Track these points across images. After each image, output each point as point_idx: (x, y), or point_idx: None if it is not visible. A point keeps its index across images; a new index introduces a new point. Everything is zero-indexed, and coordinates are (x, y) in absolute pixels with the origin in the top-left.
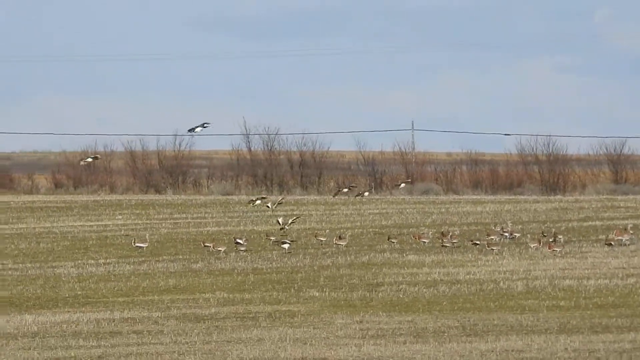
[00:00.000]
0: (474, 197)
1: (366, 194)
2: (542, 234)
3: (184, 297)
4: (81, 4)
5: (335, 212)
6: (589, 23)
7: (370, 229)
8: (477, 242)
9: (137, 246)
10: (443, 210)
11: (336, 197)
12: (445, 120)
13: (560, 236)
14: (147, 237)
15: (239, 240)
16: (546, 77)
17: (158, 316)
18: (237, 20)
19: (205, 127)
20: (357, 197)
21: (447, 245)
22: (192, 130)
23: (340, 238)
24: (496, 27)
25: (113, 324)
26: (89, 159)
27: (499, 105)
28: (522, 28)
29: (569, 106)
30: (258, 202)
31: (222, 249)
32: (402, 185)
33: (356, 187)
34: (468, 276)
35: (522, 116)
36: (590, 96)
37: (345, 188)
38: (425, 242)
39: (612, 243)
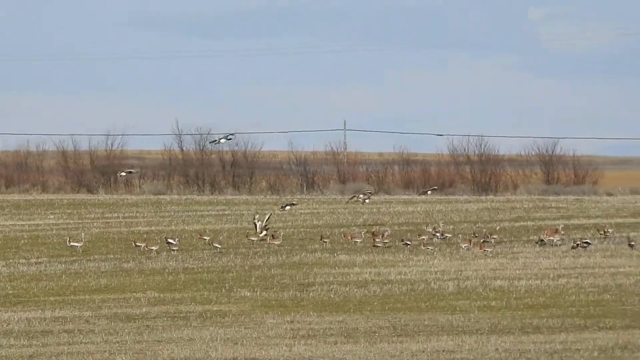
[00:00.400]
0: (406, 197)
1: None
2: (474, 234)
3: (115, 297)
4: (15, 2)
5: (266, 211)
6: (523, 23)
7: (302, 229)
8: (409, 242)
9: (71, 245)
10: (374, 210)
11: (348, 203)
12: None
13: (495, 236)
14: (82, 236)
15: (170, 240)
16: (480, 77)
17: (89, 315)
18: (171, 19)
19: (229, 139)
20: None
21: (379, 245)
22: (215, 142)
23: (273, 237)
24: (430, 27)
25: (44, 323)
26: (124, 173)
27: (432, 105)
28: (457, 28)
29: (502, 106)
30: (287, 207)
31: (154, 248)
32: (429, 192)
33: (371, 193)
34: (399, 276)
35: (455, 116)
36: (523, 96)
37: (362, 194)
38: (357, 241)
39: (544, 241)
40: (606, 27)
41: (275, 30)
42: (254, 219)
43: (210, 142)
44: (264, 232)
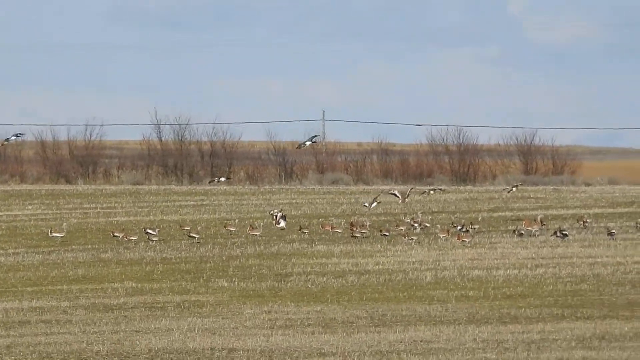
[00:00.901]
0: (384, 187)
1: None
2: (452, 224)
3: (93, 287)
4: None
5: (244, 202)
6: (503, 15)
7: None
8: (387, 232)
9: (53, 236)
10: (353, 200)
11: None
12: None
13: (476, 225)
14: (64, 226)
15: (149, 231)
16: (459, 68)
17: (67, 306)
18: (151, 11)
19: (314, 141)
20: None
21: (357, 235)
22: (302, 145)
23: (253, 228)
24: (410, 17)
25: (22, 314)
26: (12, 138)
27: (412, 96)
28: (436, 19)
29: (481, 97)
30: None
31: (134, 238)
32: (432, 192)
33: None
34: (377, 266)
35: (434, 107)
36: (501, 87)
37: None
38: (339, 232)
39: (522, 232)
40: (585, 19)
41: (255, 21)
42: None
43: (297, 148)
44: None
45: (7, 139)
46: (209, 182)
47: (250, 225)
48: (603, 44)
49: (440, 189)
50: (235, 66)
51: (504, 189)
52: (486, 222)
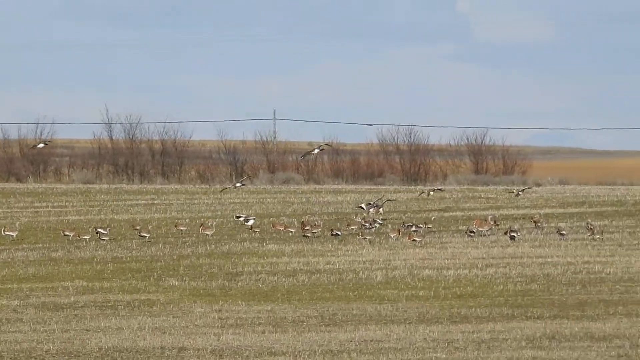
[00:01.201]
0: (335, 186)
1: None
2: (403, 223)
3: (43, 286)
4: None
5: (196, 201)
6: (453, 13)
7: (231, 218)
8: (339, 232)
9: (6, 234)
10: (304, 200)
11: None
12: (308, 109)
13: (430, 225)
14: (16, 225)
15: (101, 230)
16: (410, 67)
17: (17, 304)
18: (100, 9)
19: (322, 149)
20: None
21: (308, 235)
22: (308, 154)
23: (206, 227)
24: (360, 16)
25: None
26: (41, 145)
27: (363, 95)
28: (387, 17)
29: (432, 96)
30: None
31: (87, 237)
32: (432, 192)
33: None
34: (327, 266)
35: (385, 106)
36: (452, 87)
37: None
38: (292, 231)
39: (473, 232)
40: (535, 17)
41: (206, 19)
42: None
43: (303, 156)
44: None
45: (34, 146)
46: (226, 188)
47: (203, 225)
48: (553, 42)
49: (440, 189)
50: (185, 65)
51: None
52: (437, 222)
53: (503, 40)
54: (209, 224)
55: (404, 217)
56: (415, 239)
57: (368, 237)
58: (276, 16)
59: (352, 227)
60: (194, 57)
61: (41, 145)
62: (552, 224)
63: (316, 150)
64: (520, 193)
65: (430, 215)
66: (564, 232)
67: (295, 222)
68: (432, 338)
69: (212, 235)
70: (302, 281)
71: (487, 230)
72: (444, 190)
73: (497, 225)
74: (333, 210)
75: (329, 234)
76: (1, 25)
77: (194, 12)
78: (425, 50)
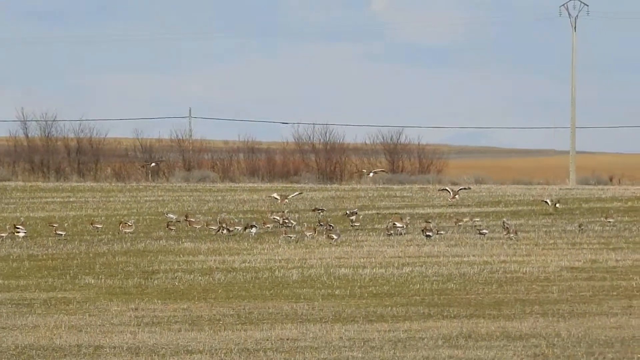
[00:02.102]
0: (251, 185)
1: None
2: (319, 222)
3: None
4: None
5: (112, 199)
6: (369, 12)
7: (147, 216)
8: (255, 225)
9: None
10: (219, 198)
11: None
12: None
13: (357, 223)
14: None
15: (19, 227)
16: (325, 66)
17: None
18: (17, 4)
19: (375, 172)
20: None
21: (226, 233)
22: (367, 174)
23: (125, 225)
24: (275, 14)
25: None
26: (153, 164)
27: (278, 94)
28: (302, 16)
29: (347, 95)
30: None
31: (4, 235)
32: (371, 174)
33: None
34: (244, 264)
35: (301, 105)
36: (367, 86)
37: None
38: (213, 228)
39: (391, 232)
40: (450, 17)
41: (122, 17)
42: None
43: (359, 174)
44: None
45: (148, 164)
46: (145, 165)
47: (122, 223)
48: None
49: (468, 188)
50: (102, 63)
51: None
52: (351, 220)
53: (418, 40)
54: (129, 222)
55: (320, 216)
56: (332, 236)
57: (291, 236)
58: (191, 14)
59: (268, 226)
60: (110, 55)
61: (153, 164)
62: (469, 223)
63: (371, 174)
64: (457, 195)
65: (337, 214)
66: (485, 231)
67: (218, 220)
68: (348, 337)
69: (126, 233)
70: (218, 279)
71: (400, 228)
72: (470, 189)
73: (429, 222)
74: (249, 209)
75: (244, 232)
76: None
77: (110, 10)
78: (341, 49)
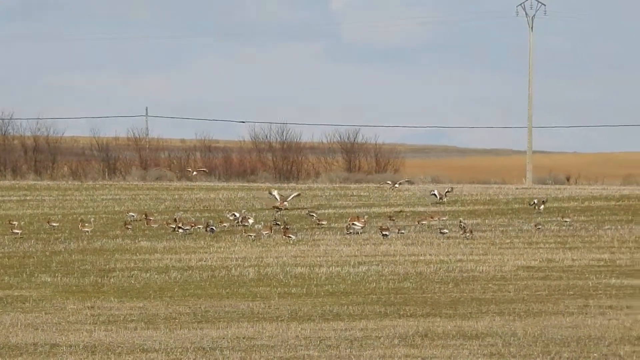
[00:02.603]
0: (207, 183)
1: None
2: (275, 221)
3: None
4: None
5: (68, 197)
6: (326, 11)
7: (104, 215)
8: (214, 228)
9: None
10: (176, 196)
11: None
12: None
13: (324, 222)
14: None
15: None
16: (283, 66)
17: None
18: None
19: (199, 171)
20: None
21: (180, 231)
22: (439, 198)
23: (84, 224)
24: (231, 13)
25: None
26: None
27: (235, 93)
28: (259, 15)
29: (305, 94)
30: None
31: None
32: (397, 185)
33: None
34: (200, 262)
35: (258, 104)
36: (325, 85)
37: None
38: (173, 227)
39: (350, 232)
40: (407, 16)
41: (78, 15)
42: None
43: (395, 185)
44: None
45: (191, 171)
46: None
47: (82, 221)
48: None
49: (450, 190)
50: (59, 61)
51: (431, 193)
52: (309, 219)
53: (376, 40)
54: (89, 221)
55: (276, 215)
56: (290, 235)
57: (251, 235)
58: (148, 13)
59: (224, 224)
60: (67, 54)
61: (195, 173)
62: (424, 222)
63: (436, 196)
64: (444, 198)
65: (293, 213)
66: (445, 230)
67: (178, 218)
68: (305, 336)
69: (82, 232)
70: (174, 278)
71: (359, 227)
72: (450, 190)
73: (393, 219)
74: (205, 207)
75: (201, 230)
76: None
77: (67, 8)
78: (298, 48)
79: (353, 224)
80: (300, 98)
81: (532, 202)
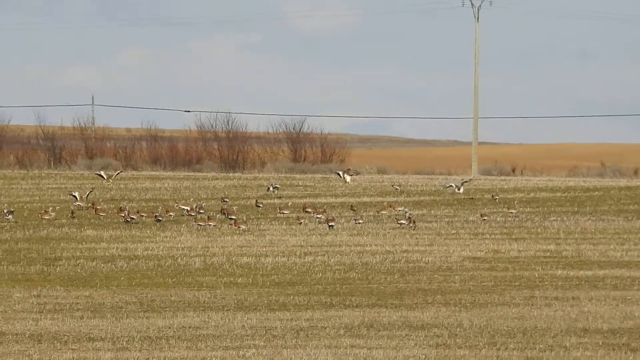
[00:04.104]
0: (153, 173)
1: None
2: (222, 211)
3: None
4: None
5: (14, 186)
6: (266, 1)
7: (49, 204)
8: (161, 218)
9: None
10: (122, 186)
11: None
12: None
13: (286, 211)
14: None
15: None
16: (229, 55)
17: None
18: None
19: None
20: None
21: (128, 220)
22: (453, 187)
23: (45, 212)
24: (179, 3)
25: None
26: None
27: (181, 82)
28: (202, 5)
29: (250, 84)
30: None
31: None
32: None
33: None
34: (146, 252)
35: (204, 93)
36: (270, 75)
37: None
38: (134, 218)
39: (302, 222)
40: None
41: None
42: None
43: (450, 188)
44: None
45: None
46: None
47: (44, 210)
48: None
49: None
50: (4, 50)
51: (447, 187)
52: (255, 209)
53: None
54: (49, 210)
55: (221, 204)
56: (240, 226)
57: (202, 224)
58: (92, 3)
59: (170, 214)
60: (14, 43)
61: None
62: (371, 213)
63: (458, 187)
64: (461, 189)
65: (239, 203)
66: (403, 221)
67: (129, 207)
68: (251, 325)
69: (28, 220)
70: (120, 267)
71: (318, 217)
72: (470, 180)
73: (355, 210)
74: (151, 197)
75: (148, 219)
76: None
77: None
78: (245, 38)
79: (317, 216)
80: (246, 88)
81: (448, 185)
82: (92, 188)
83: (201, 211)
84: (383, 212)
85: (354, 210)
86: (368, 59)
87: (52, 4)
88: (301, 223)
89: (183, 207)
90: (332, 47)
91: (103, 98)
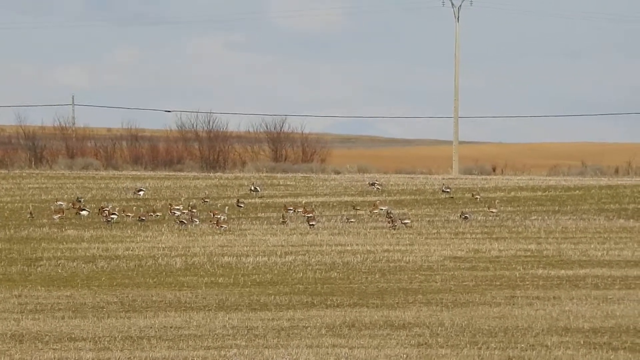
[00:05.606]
0: (134, 173)
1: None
2: (209, 211)
3: None
4: None
5: None
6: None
7: (31, 204)
8: (143, 218)
9: None
10: (103, 185)
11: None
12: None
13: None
14: None
15: None
16: (210, 54)
17: None
18: None
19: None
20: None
21: (109, 220)
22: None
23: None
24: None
25: None
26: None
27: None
28: (187, 3)
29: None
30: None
31: None
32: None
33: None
34: (127, 252)
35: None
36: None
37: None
38: (129, 216)
39: (285, 220)
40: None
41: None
42: None
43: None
44: None
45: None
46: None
47: (30, 212)
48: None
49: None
50: None
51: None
52: (236, 209)
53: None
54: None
55: (203, 204)
56: (222, 225)
57: (195, 220)
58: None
59: (157, 214)
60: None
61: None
62: (351, 212)
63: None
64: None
65: (218, 203)
66: (391, 218)
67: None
68: (232, 325)
69: (9, 220)
70: (101, 267)
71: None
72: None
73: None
74: (132, 197)
75: (128, 219)
76: None
77: None
78: (225, 37)
79: (308, 216)
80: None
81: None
82: (80, 198)
83: (194, 211)
84: (375, 211)
85: (357, 209)
86: (349, 58)
87: (38, 2)
88: (285, 222)
89: (176, 207)
90: (314, 47)
91: (87, 98)
